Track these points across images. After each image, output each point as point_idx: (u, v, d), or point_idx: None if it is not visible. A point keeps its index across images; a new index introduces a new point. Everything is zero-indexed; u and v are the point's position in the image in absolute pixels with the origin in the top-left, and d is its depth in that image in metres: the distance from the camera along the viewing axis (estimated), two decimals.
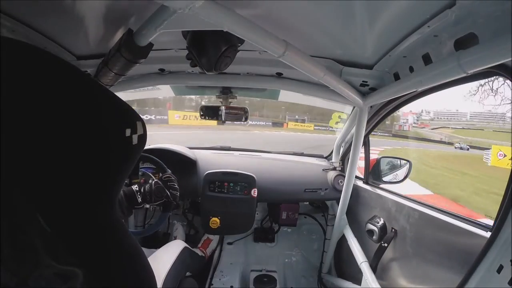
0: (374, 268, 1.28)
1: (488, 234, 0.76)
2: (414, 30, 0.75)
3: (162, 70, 1.23)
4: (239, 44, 0.92)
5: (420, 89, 0.87)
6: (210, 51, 0.88)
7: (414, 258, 1.12)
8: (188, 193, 1.72)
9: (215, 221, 1.55)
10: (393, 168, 1.75)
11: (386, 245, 1.25)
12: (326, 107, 1.66)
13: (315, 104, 1.70)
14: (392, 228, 1.24)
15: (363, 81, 1.11)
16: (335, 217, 1.64)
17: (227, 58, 0.91)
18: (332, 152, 1.91)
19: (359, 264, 1.33)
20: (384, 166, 1.68)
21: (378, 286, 1.17)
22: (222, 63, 0.91)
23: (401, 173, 1.73)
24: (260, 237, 2.07)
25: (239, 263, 1.93)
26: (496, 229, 0.67)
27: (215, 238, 2.00)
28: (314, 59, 0.89)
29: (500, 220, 0.66)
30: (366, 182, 1.62)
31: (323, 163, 1.94)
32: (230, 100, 1.46)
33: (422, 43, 0.78)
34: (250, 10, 0.73)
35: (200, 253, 1.78)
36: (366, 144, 1.57)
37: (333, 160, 1.86)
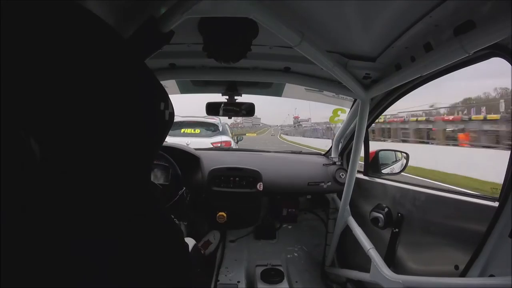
0: (382, 253, 1.32)
1: (496, 204, 0.81)
2: (416, 21, 0.81)
3: (172, 65, 1.25)
4: (253, 38, 0.97)
5: (421, 75, 0.94)
6: (230, 42, 0.92)
7: (423, 239, 1.17)
8: (193, 189, 1.72)
9: (222, 216, 1.56)
10: (391, 160, 1.83)
11: (394, 230, 1.29)
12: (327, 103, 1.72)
13: (316, 101, 1.77)
14: (398, 213, 1.29)
15: (366, 74, 1.17)
16: (337, 210, 1.68)
17: (242, 50, 0.96)
18: (330, 149, 1.97)
19: (366, 251, 1.36)
20: (382, 159, 1.75)
21: (388, 270, 1.20)
22: (240, 54, 0.96)
23: (398, 165, 1.81)
24: (261, 234, 2.08)
25: (243, 259, 1.93)
26: (503, 198, 0.73)
27: (214, 242, 1.98)
28: (324, 51, 0.95)
29: (507, 188, 0.73)
30: (366, 175, 1.68)
31: (323, 159, 1.99)
32: (235, 97, 1.49)
33: (423, 33, 0.84)
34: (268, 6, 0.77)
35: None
36: (366, 137, 1.63)
37: (332, 156, 1.91)
